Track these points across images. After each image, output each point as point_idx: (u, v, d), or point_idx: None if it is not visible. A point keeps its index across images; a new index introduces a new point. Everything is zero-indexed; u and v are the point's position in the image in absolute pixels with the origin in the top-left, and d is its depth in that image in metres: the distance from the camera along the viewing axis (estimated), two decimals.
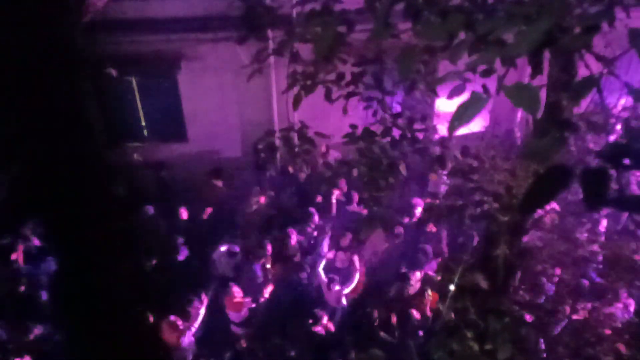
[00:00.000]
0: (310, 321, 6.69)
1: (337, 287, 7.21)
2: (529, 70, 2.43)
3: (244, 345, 6.77)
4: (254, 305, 7.15)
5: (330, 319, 7.01)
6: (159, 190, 9.68)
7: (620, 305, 5.60)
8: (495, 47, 1.92)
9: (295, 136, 4.19)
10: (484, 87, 2.53)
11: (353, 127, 3.95)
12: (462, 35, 2.15)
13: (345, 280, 7.32)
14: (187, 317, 6.59)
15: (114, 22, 8.12)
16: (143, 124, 10.79)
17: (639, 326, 4.80)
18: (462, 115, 1.71)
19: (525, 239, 3.99)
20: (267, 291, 7.31)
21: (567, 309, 4.59)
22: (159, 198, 9.42)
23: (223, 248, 7.83)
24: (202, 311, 6.70)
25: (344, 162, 4.04)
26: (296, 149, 4.21)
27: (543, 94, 2.84)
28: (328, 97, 3.73)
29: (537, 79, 2.43)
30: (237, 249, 7.82)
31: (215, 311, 7.09)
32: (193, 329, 6.57)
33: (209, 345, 6.86)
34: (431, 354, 3.43)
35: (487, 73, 2.39)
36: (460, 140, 8.25)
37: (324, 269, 7.47)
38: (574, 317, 4.56)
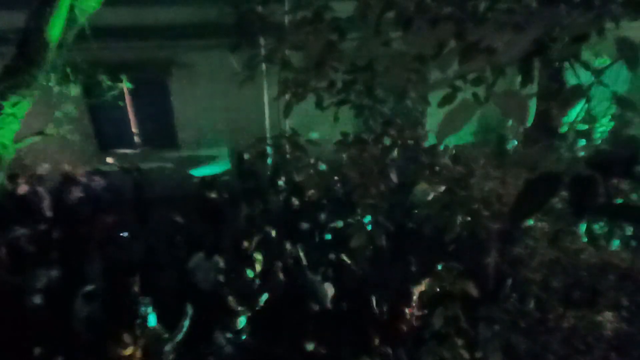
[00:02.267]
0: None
1: (328, 288, 7.25)
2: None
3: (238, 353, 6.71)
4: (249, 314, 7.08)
5: (321, 319, 7.01)
6: (135, 195, 9.64)
7: (610, 313, 5.62)
8: (485, 56, 1.93)
9: (286, 143, 4.18)
10: (475, 95, 2.54)
11: (344, 134, 3.96)
12: (452, 43, 2.16)
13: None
14: (172, 329, 6.54)
15: (106, 28, 8.10)
16: (134, 130, 10.74)
17: (629, 335, 4.81)
18: (451, 123, 1.71)
19: (515, 246, 4.01)
20: (262, 299, 7.26)
21: (557, 317, 4.59)
22: (135, 202, 9.42)
23: (200, 256, 7.78)
24: (187, 322, 6.62)
25: (335, 169, 4.04)
26: (287, 156, 4.21)
27: (533, 103, 2.86)
28: (319, 104, 3.73)
29: (527, 87, 2.44)
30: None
31: (205, 320, 7.01)
32: (176, 340, 6.50)
33: (198, 355, 6.78)
34: None
35: (477, 81, 2.40)
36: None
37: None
38: (564, 325, 4.56)
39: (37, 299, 7.02)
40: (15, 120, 7.00)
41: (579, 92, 1.94)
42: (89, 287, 7.04)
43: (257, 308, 7.18)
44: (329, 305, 7.32)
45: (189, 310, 6.69)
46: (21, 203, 8.61)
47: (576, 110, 2.74)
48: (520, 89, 2.29)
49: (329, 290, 7.34)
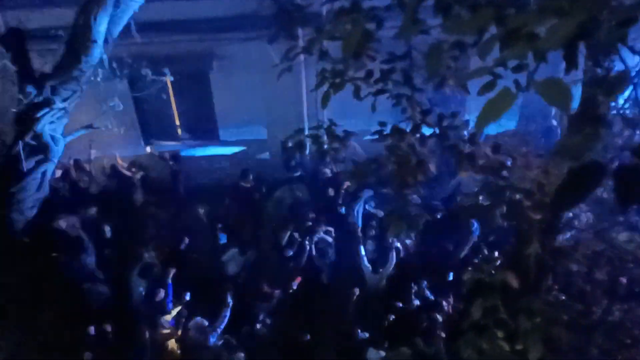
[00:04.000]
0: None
1: (381, 270, 7.30)
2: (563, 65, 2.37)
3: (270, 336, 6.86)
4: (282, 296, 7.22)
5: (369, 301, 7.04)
6: (172, 182, 9.83)
7: None
8: (527, 42, 1.89)
9: (324, 134, 4.21)
10: (516, 82, 2.48)
11: (382, 124, 3.95)
12: (492, 29, 2.13)
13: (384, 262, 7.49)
14: (214, 319, 6.72)
15: (148, 23, 8.32)
16: (177, 123, 11.04)
17: None
18: (490, 112, 1.69)
19: (558, 237, 3.92)
20: (296, 282, 7.37)
21: (602, 309, 4.46)
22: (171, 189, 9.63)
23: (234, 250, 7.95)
24: (227, 312, 6.78)
25: (372, 160, 4.03)
26: (325, 147, 4.23)
27: (579, 89, 2.78)
28: (357, 94, 3.73)
29: (573, 73, 2.38)
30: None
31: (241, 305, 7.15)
32: (219, 330, 6.68)
33: (236, 339, 6.94)
34: (460, 353, 3.40)
35: (518, 68, 2.35)
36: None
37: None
38: (609, 318, 4.42)
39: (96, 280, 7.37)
40: (65, 114, 7.33)
41: (626, 78, 1.88)
42: (144, 262, 7.33)
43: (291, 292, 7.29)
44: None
45: (230, 299, 6.86)
46: (73, 191, 9.03)
47: (623, 97, 2.65)
48: (565, 75, 2.23)
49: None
